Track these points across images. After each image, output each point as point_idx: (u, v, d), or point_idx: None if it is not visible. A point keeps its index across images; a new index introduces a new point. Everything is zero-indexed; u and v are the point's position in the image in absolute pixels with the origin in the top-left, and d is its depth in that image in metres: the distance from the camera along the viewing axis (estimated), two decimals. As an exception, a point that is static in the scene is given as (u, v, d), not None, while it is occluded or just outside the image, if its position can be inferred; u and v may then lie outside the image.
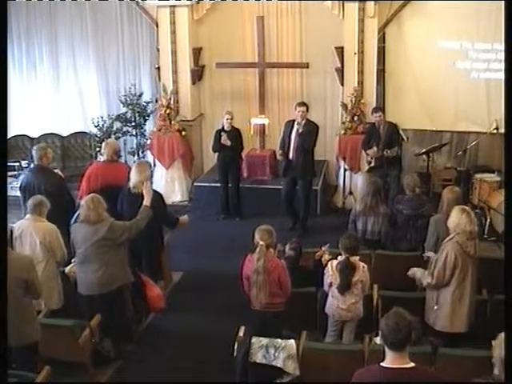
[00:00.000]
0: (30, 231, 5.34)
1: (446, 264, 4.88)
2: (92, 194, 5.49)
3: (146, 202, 5.69)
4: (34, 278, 4.45)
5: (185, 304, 6.44)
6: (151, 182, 6.38)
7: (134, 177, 6.07)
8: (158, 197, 6.16)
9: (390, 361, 3.15)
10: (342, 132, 9.18)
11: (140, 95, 10.09)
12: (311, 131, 7.93)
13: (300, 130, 7.85)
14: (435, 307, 5.01)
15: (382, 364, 3.17)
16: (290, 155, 8.01)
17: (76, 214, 5.69)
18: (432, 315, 5.04)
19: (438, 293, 5.00)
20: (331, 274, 5.09)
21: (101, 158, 7.41)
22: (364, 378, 3.22)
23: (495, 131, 8.59)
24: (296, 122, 7.92)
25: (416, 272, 5.22)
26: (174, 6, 9.47)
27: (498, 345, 3.20)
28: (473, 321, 5.03)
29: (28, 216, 5.43)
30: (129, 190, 6.11)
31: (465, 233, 4.86)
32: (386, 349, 3.17)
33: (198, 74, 10.01)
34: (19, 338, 4.31)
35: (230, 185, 8.78)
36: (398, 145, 8.18)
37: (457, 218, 4.92)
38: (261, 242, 4.85)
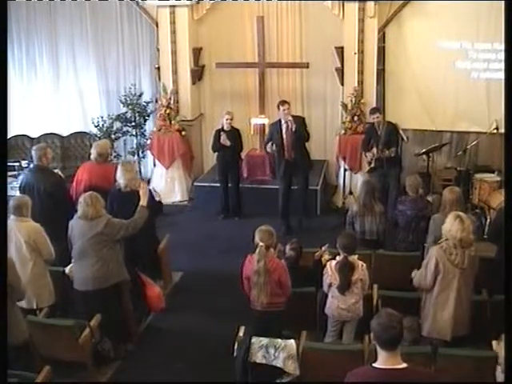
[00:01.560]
0: (14, 232, 5.30)
1: (428, 268, 4.81)
2: (90, 192, 5.51)
3: (143, 202, 5.69)
4: (12, 279, 4.41)
5: (185, 304, 6.44)
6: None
7: (122, 176, 6.05)
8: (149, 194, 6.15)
9: (383, 361, 3.14)
10: (342, 132, 9.19)
11: (140, 95, 10.08)
12: (301, 125, 8.02)
13: (294, 128, 7.88)
14: (423, 311, 4.96)
15: (374, 364, 3.17)
16: (286, 154, 8.01)
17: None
18: (421, 319, 4.98)
19: (424, 297, 4.95)
20: (330, 274, 5.09)
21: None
22: (356, 378, 3.22)
23: (495, 131, 8.57)
24: (284, 121, 7.94)
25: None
26: (173, 6, 9.47)
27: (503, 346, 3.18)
28: (464, 332, 4.88)
29: (11, 217, 5.36)
30: (119, 189, 6.09)
31: (454, 239, 4.72)
32: (378, 349, 3.16)
33: (198, 74, 10.01)
34: None
35: (229, 185, 8.79)
36: (397, 145, 8.17)
37: (449, 224, 4.79)
38: (260, 243, 4.85)
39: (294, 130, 7.89)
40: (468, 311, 4.89)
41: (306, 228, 8.29)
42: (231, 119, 8.57)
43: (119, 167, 6.22)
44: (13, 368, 4.32)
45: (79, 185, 6.71)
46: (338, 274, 5.03)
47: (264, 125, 9.29)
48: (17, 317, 4.58)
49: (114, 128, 10.07)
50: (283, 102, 8.00)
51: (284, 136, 7.96)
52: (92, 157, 6.88)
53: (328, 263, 5.17)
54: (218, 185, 8.89)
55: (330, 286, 5.10)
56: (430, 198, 6.76)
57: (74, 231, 5.37)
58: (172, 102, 9.61)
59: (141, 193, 5.76)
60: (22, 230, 5.31)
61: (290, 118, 7.93)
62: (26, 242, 5.29)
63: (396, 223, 6.45)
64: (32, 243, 5.31)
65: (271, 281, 4.85)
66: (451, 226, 4.75)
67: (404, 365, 3.14)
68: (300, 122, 8.03)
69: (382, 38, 9.30)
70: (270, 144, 8.00)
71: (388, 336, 3.10)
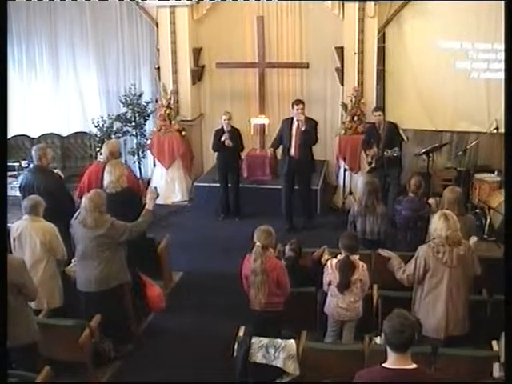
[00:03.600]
0: (29, 232, 5.33)
1: (416, 267, 4.81)
2: (93, 191, 5.50)
3: (149, 205, 5.69)
4: (25, 281, 4.42)
5: (185, 304, 6.44)
6: (126, 179, 6.28)
7: (105, 178, 6.01)
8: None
9: (392, 362, 3.14)
10: (342, 132, 9.18)
11: (140, 95, 10.07)
12: (312, 128, 8.08)
13: (303, 128, 7.95)
14: (414, 310, 4.93)
15: (383, 365, 3.17)
16: (292, 152, 8.09)
17: (77, 213, 5.68)
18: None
19: (414, 296, 4.93)
20: (330, 272, 5.09)
21: (100, 159, 7.38)
22: (366, 378, 3.22)
23: (495, 131, 8.58)
24: (296, 120, 8.02)
25: (393, 260, 5.16)
26: (174, 6, 9.47)
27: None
28: (459, 332, 4.84)
29: (25, 217, 5.41)
30: (109, 191, 6.05)
31: (440, 238, 4.74)
32: (389, 350, 3.16)
33: (198, 74, 10.01)
34: (10, 340, 4.23)
35: (229, 185, 8.79)
36: (397, 145, 8.18)
37: (434, 223, 4.83)
38: (257, 243, 4.87)
39: (303, 130, 7.96)
40: (462, 311, 4.83)
41: (306, 228, 8.31)
42: (229, 119, 8.55)
43: (106, 167, 6.12)
44: (18, 368, 4.33)
45: (89, 185, 6.60)
46: (338, 272, 5.04)
47: (264, 125, 9.30)
48: (27, 318, 4.58)
49: (114, 128, 10.07)
50: (298, 102, 8.08)
51: (293, 134, 8.07)
52: (103, 156, 6.81)
53: (329, 261, 5.17)
54: (218, 185, 8.89)
55: (329, 284, 5.10)
56: (432, 201, 6.72)
57: (76, 232, 5.38)
58: (172, 102, 9.61)
59: (148, 197, 5.77)
60: (37, 230, 5.34)
61: (302, 118, 7.99)
62: (41, 242, 5.31)
63: (394, 223, 6.45)
64: (47, 243, 5.34)
65: (269, 280, 4.85)
66: (436, 224, 4.79)
67: (414, 365, 3.13)
68: (312, 124, 8.11)
69: (382, 38, 9.30)
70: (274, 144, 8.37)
71: (398, 340, 3.09)
